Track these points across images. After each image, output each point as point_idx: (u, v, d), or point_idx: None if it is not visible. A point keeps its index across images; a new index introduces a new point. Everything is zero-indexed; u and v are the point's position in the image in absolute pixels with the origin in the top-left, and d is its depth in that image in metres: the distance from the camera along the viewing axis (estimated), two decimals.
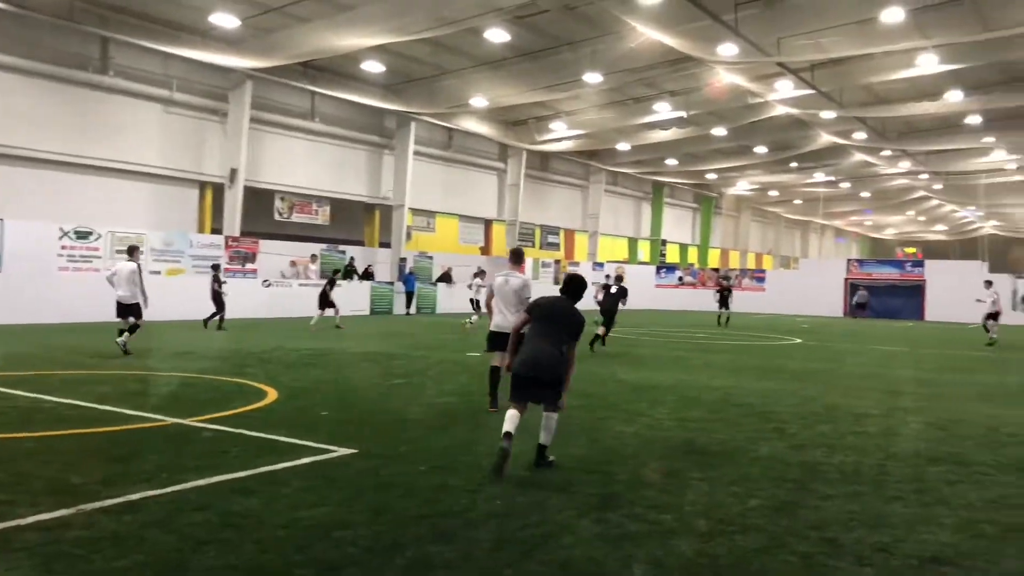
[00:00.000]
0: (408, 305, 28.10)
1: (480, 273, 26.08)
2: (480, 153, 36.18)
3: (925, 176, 44.48)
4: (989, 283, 22.62)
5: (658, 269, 45.35)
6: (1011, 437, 8.03)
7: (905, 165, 40.41)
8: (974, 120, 30.20)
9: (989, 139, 32.72)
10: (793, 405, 9.62)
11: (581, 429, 7.69)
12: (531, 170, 38.73)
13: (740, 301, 40.67)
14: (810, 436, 7.81)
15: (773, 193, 53.18)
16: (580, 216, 43.24)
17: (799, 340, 21.24)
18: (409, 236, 31.36)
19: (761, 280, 42.73)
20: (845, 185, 48.44)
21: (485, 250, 37.03)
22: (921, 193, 51.46)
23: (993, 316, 21.10)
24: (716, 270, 45.49)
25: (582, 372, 11.31)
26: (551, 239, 40.79)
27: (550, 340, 6.39)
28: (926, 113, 28.91)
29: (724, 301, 27.24)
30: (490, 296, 8.88)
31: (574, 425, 7.75)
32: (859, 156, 38.59)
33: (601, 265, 40.70)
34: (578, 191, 43.00)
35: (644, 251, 49.47)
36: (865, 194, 52.59)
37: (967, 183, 45.55)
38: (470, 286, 25.97)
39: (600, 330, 16.18)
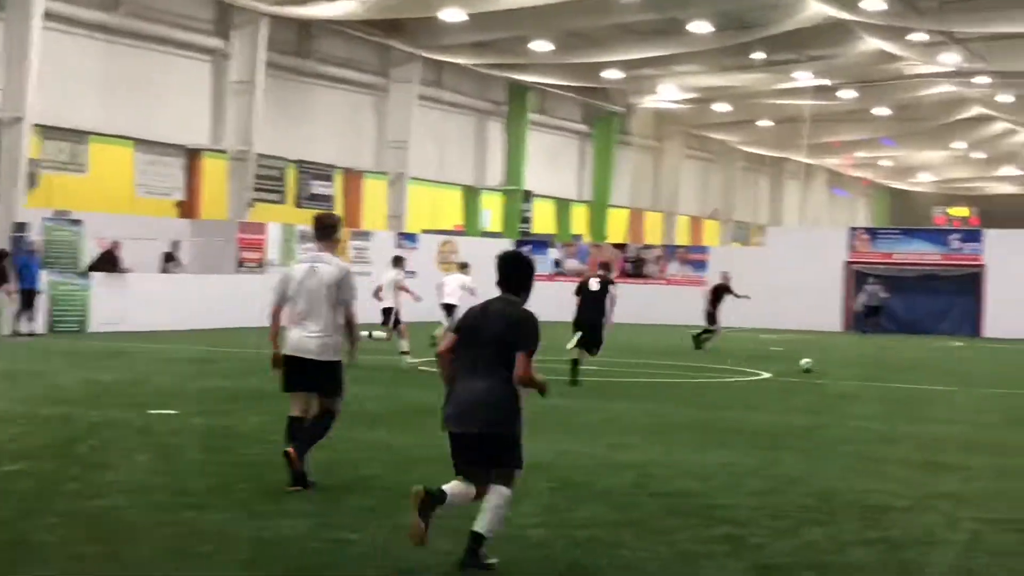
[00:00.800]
0: (23, 313, 27.64)
1: (398, 260, 25.71)
2: (178, 20, 35.57)
3: (985, 80, 47.16)
4: None
5: (519, 245, 46.09)
6: None
7: (951, 59, 42.89)
8: None
9: None
10: (758, 493, 10.03)
11: (373, 548, 7.81)
12: (279, 54, 38.44)
13: (662, 301, 42.12)
14: (790, 550, 8.06)
15: (721, 107, 54.99)
16: (374, 145, 43.59)
17: (767, 375, 22.47)
18: (34, 180, 30.83)
19: (700, 266, 44.25)
20: (848, 94, 50.68)
21: (188, 208, 36.57)
22: (977, 110, 54.92)
23: None
24: (622, 246, 46.83)
25: (378, 443, 11.63)
26: (318, 187, 40.48)
27: (486, 371, 7.16)
28: None
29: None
30: (279, 299, 9.57)
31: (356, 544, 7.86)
32: (872, 42, 40.35)
33: (412, 237, 41.18)
34: (369, 98, 43.38)
35: (493, 212, 50.22)
36: (882, 111, 55.48)
37: None
38: (376, 294, 25.18)
39: (574, 351, 18.29)
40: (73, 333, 28.68)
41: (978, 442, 13.64)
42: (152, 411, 14.43)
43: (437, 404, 16.15)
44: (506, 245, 45.56)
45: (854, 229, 45.41)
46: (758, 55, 43.35)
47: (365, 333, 23.44)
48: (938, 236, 43.59)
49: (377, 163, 43.64)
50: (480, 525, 7.11)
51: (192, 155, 36.54)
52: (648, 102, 54.69)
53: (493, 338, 7.23)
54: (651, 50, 41.88)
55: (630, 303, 42.78)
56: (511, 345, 7.18)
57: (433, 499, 7.14)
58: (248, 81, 36.36)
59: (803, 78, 46.61)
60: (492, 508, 7.12)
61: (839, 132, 60.10)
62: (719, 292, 30.88)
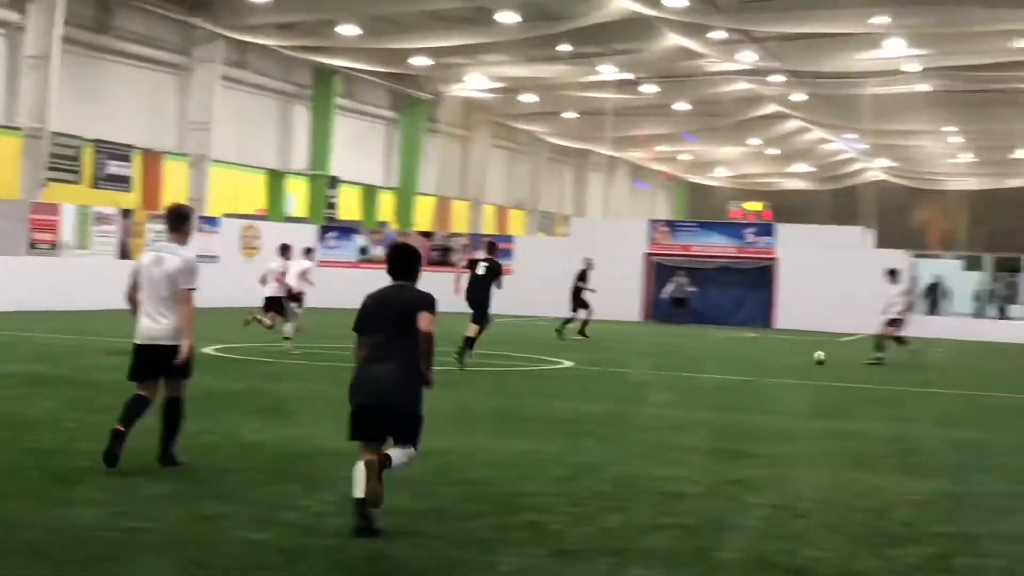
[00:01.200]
0: None
1: (284, 249, 24.87)
2: None
3: (780, 78, 48.66)
4: (893, 273, 26.42)
5: (324, 231, 45.75)
6: (906, 527, 8.84)
7: (748, 58, 44.10)
8: None
9: (881, 20, 36.35)
10: (558, 480, 10.12)
11: (168, 537, 7.48)
12: (77, 29, 37.36)
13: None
14: (588, 536, 8.15)
15: (528, 98, 55.48)
16: (175, 124, 42.69)
17: (570, 363, 22.82)
18: None
19: (505, 255, 44.60)
20: (650, 89, 51.66)
21: None
22: (773, 108, 56.65)
23: (895, 323, 25.26)
24: (429, 234, 46.91)
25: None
26: (116, 168, 39.38)
27: (387, 350, 7.88)
28: None
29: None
30: (131, 288, 9.73)
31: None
32: (674, 38, 41.29)
33: (212, 221, 40.50)
34: (171, 77, 42.51)
35: (297, 196, 49.72)
36: (682, 106, 56.69)
37: (844, 93, 50.56)
38: (262, 280, 24.68)
39: (471, 330, 20.00)
40: None
41: (769, 430, 14.03)
42: None
43: (233, 390, 16.04)
44: (310, 231, 45.16)
45: (654, 221, 46.37)
46: (564, 47, 43.85)
47: (260, 318, 23.22)
48: (733, 229, 44.82)
49: (178, 144, 42.61)
50: (359, 490, 7.71)
51: None
52: (456, 90, 54.76)
53: (396, 319, 7.92)
54: (459, 38, 41.93)
55: (436, 291, 42.89)
56: (413, 318, 7.87)
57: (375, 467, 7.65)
58: (43, 56, 35.03)
59: (607, 72, 47.32)
60: (402, 457, 7.96)
61: (641, 126, 61.17)
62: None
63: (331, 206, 49.51)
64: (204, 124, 42.35)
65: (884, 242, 47.77)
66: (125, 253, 36.15)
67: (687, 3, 35.39)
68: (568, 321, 30.63)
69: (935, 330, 36.77)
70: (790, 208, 74.37)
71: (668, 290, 41.72)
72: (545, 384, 19.18)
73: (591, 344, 28.89)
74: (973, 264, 44.97)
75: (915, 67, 44.18)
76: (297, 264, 24.32)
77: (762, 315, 41.60)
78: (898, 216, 69.70)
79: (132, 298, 9.83)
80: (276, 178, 48.50)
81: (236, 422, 12.72)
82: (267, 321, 23.81)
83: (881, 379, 22.39)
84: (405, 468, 8.08)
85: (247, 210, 46.80)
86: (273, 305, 23.71)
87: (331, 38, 42.63)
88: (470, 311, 20.77)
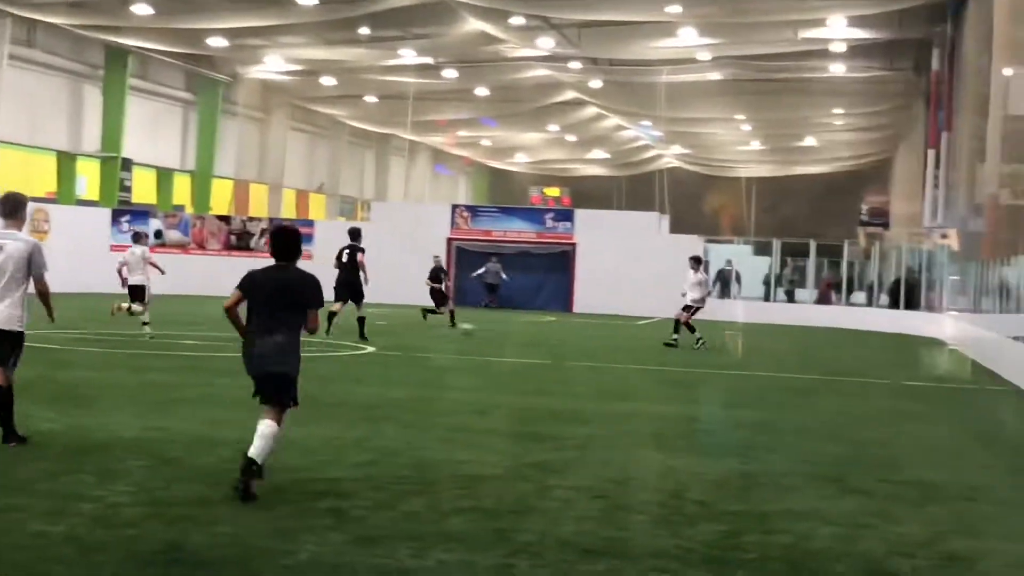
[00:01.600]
0: None
1: (139, 236, 24.53)
2: None
3: (576, 65, 49.38)
4: (698, 261, 27.57)
5: (117, 215, 44.60)
6: (700, 506, 9.11)
7: (546, 44, 44.58)
8: None
9: (674, 8, 37.24)
10: (359, 465, 10.17)
11: None
12: None
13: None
14: (390, 520, 8.22)
15: (328, 81, 55.01)
16: None
17: (372, 348, 22.91)
18: None
19: (306, 240, 44.16)
20: (450, 74, 51.88)
21: None
22: (571, 95, 57.43)
23: (689, 308, 26.36)
24: (227, 219, 46.18)
25: None
26: None
27: (284, 324, 9.02)
28: None
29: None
30: None
31: None
32: (474, 23, 41.55)
33: None
34: None
35: (89, 179, 48.32)
36: (483, 91, 56.89)
37: (640, 81, 51.59)
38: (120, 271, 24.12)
39: (335, 307, 23.21)
40: None
41: (567, 413, 14.24)
42: None
43: (24, 377, 15.53)
44: (104, 214, 43.93)
45: (456, 206, 46.55)
46: (364, 30, 43.59)
47: (126, 306, 22.74)
48: (534, 215, 45.37)
49: None
50: (256, 450, 8.68)
51: None
52: (254, 72, 53.94)
53: (291, 298, 9.03)
54: (256, 19, 41.29)
55: (234, 276, 42.22)
56: (303, 304, 9.08)
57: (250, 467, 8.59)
58: None
59: (408, 56, 47.27)
60: (268, 435, 8.83)
61: (442, 111, 61.30)
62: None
63: (125, 189, 48.21)
64: None
65: (678, 227, 49.00)
66: None
67: None
68: (431, 312, 31.24)
69: (726, 313, 37.93)
70: (588, 194, 75.62)
71: (479, 273, 42.03)
72: (347, 369, 19.12)
73: (394, 330, 28.90)
74: (762, 249, 46.55)
75: (707, 56, 45.34)
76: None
77: (562, 299, 42.26)
78: (691, 202, 71.48)
79: None
80: (67, 160, 46.96)
81: (27, 411, 12.29)
82: (137, 308, 23.30)
83: (675, 361, 23.00)
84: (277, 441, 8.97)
85: (36, 193, 45.20)
86: (138, 293, 23.36)
87: (124, 17, 41.45)
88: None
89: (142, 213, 45.16)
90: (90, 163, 48.00)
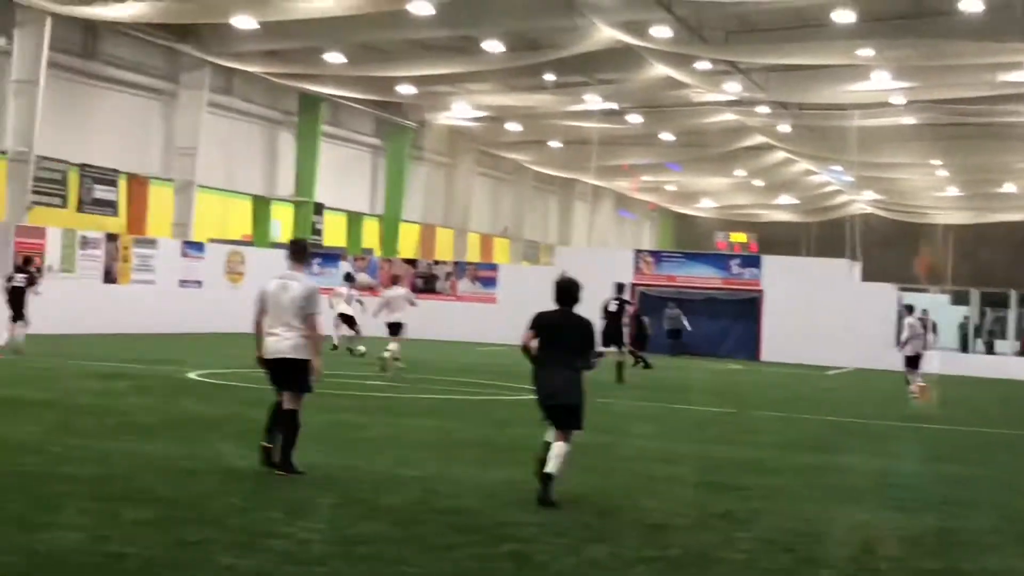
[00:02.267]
0: None
1: (349, 277, 27.54)
2: None
3: (764, 109, 48.77)
4: (910, 309, 27.33)
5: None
6: (893, 562, 8.87)
7: (734, 88, 44.20)
8: (844, 17, 33.02)
9: (866, 52, 36.67)
10: (542, 510, 10.12)
11: (149, 562, 7.37)
12: (64, 55, 37.42)
13: (452, 318, 42.39)
14: (573, 567, 8.15)
15: (513, 127, 55.51)
16: (161, 150, 42.58)
17: None
18: None
19: (490, 283, 44.65)
20: (635, 119, 51.62)
21: None
22: (759, 139, 56.85)
23: (913, 361, 25.79)
24: (413, 262, 46.92)
25: (153, 455, 11.22)
26: (102, 192, 39.32)
27: (566, 361, 10.62)
28: None
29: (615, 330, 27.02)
30: (259, 311, 11.20)
31: None
32: (660, 68, 41.39)
33: (199, 246, 40.50)
34: (158, 103, 42.43)
35: (283, 222, 49.66)
36: (667, 136, 56.68)
37: (830, 125, 50.53)
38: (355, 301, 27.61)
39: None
40: None
41: (753, 463, 14.01)
42: None
43: (217, 415, 15.98)
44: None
45: (639, 251, 46.43)
46: (549, 76, 43.97)
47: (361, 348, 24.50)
48: (719, 260, 44.93)
49: (164, 169, 42.56)
50: (553, 467, 10.30)
51: None
52: (441, 118, 54.82)
53: (572, 340, 10.71)
54: (444, 67, 41.98)
55: (420, 319, 43.06)
56: (580, 344, 10.72)
57: (548, 483, 10.28)
58: (30, 81, 35.01)
59: (592, 101, 47.46)
60: (562, 455, 10.39)
61: (626, 155, 61.25)
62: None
63: (316, 232, 49.45)
64: (190, 149, 42.32)
65: (870, 275, 47.92)
66: (110, 277, 36.06)
67: (672, 34, 35.53)
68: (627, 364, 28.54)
69: (922, 364, 36.83)
70: (776, 240, 74.51)
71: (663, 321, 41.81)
72: (528, 413, 19.14)
73: None
74: (959, 298, 45.19)
75: (901, 100, 44.38)
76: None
77: (748, 347, 41.63)
78: (884, 249, 69.83)
79: (258, 322, 11.29)
80: (262, 204, 48.43)
81: (219, 447, 12.69)
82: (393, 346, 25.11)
83: (867, 413, 22.44)
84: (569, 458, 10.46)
85: (233, 236, 46.75)
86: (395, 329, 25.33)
87: (317, 66, 42.67)
88: None
89: (333, 256, 46.24)
90: (284, 207, 49.41)
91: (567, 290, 10.94)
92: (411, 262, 46.89)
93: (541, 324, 10.80)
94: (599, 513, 10.10)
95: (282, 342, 11.11)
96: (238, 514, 9.25)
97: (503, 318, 42.01)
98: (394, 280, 27.47)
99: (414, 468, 12.03)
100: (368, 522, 9.22)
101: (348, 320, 26.49)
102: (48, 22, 34.81)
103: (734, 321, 42.35)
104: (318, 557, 7.98)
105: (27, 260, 28.05)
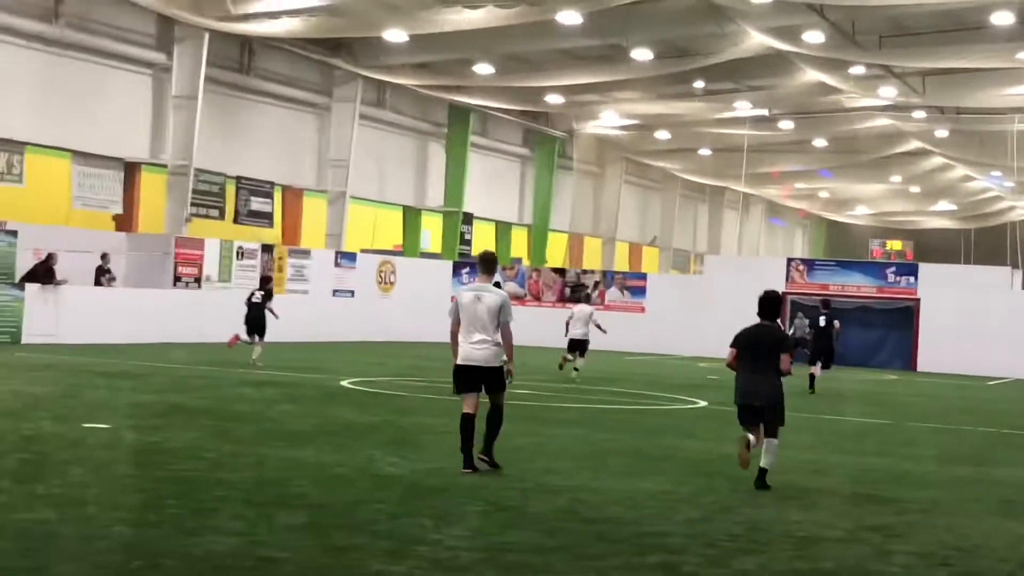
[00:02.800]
0: None
1: (587, 297, 31.06)
2: (119, 33, 35.26)
3: (920, 114, 47.78)
4: None
5: (457, 268, 46.13)
6: None
7: (889, 93, 43.36)
8: (1003, 19, 32.38)
9: None
10: (691, 521, 10.05)
11: (302, 567, 7.48)
12: (221, 70, 38.45)
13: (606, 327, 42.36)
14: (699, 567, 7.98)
15: (661, 135, 55.22)
16: (314, 162, 43.48)
17: (703, 403, 22.67)
18: None
19: (639, 293, 44.48)
20: (786, 125, 51.11)
21: (124, 221, 36.01)
22: (915, 144, 55.68)
23: None
24: (561, 271, 47.00)
25: (305, 462, 11.37)
26: (257, 204, 40.26)
27: (761, 368, 12.04)
28: (927, 1, 31.20)
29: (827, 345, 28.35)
30: (455, 322, 12.08)
31: None
32: (812, 73, 40.83)
33: (351, 257, 41.16)
34: (312, 116, 43.32)
35: (432, 232, 50.21)
36: (820, 142, 55.81)
37: (989, 129, 49.52)
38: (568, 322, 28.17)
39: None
40: (6, 344, 28.25)
41: (909, 475, 13.72)
42: (84, 425, 14.25)
43: (368, 423, 16.25)
44: (445, 266, 45.56)
45: (791, 260, 45.80)
46: (698, 84, 43.67)
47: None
48: (874, 269, 44.04)
49: (317, 181, 43.43)
50: (764, 462, 11.81)
51: (131, 168, 36.03)
52: (589, 127, 54.86)
53: (765, 350, 12.05)
54: (592, 76, 42.02)
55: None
56: (778, 351, 12.01)
57: (749, 443, 11.70)
58: (189, 96, 36.04)
59: (742, 108, 47.00)
60: (769, 451, 11.86)
61: (777, 162, 60.50)
62: None
63: (465, 242, 49.86)
64: (343, 162, 43.09)
65: None
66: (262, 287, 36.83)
67: (825, 39, 34.96)
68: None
69: None
70: (933, 247, 72.86)
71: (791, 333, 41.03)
72: (678, 423, 19.04)
73: (727, 384, 28.58)
74: None
75: None
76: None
77: (904, 357, 40.71)
78: None
79: (455, 331, 12.11)
80: (412, 214, 49.05)
81: (370, 455, 12.86)
82: (580, 361, 26.59)
83: None
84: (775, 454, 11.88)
85: (384, 246, 47.41)
86: (579, 346, 26.71)
87: (466, 77, 43.09)
88: None
89: None
90: (433, 217, 49.97)
91: (769, 304, 12.41)
92: (559, 271, 46.95)
93: (740, 339, 12.38)
94: (748, 524, 9.96)
95: (479, 351, 11.95)
96: (388, 520, 9.36)
97: (652, 327, 41.86)
98: (585, 299, 30.12)
99: (561, 477, 12.04)
100: (515, 530, 9.24)
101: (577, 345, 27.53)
102: (206, 38, 35.78)
103: (889, 330, 41.44)
104: (465, 564, 8.03)
105: (266, 279, 29.25)
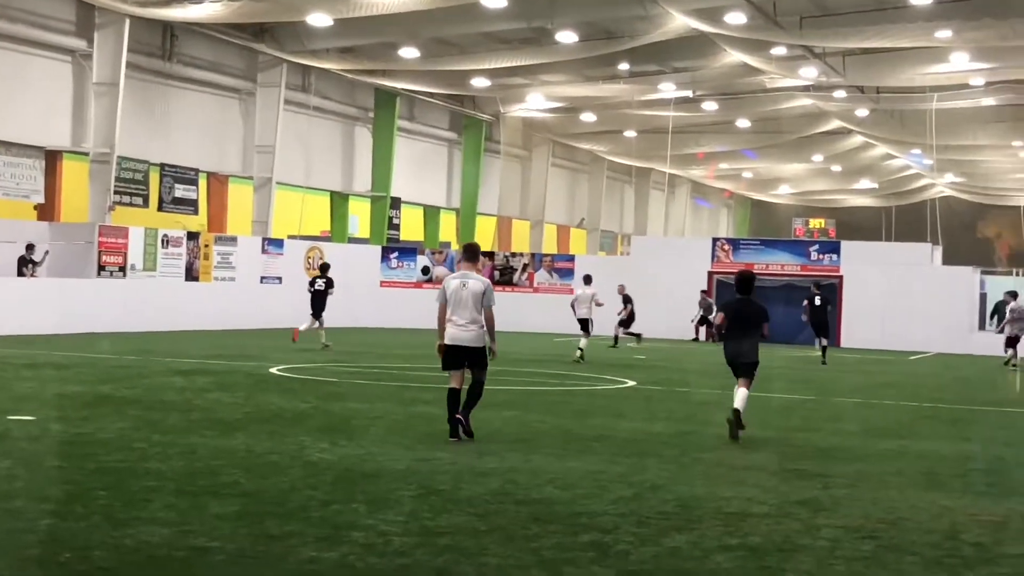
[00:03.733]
0: None
1: (589, 279, 31.83)
2: (38, 20, 34.69)
3: (841, 94, 48.27)
4: (1015, 295, 32.37)
5: (386, 252, 46.07)
6: (978, 548, 8.72)
7: (810, 73, 43.72)
8: (921, 0, 33.21)
9: (943, 34, 36.09)
10: (622, 500, 10.12)
11: (235, 556, 7.50)
12: (143, 56, 37.92)
13: (530, 309, 42.46)
14: (653, 556, 8.17)
15: (588, 117, 55.42)
16: (240, 148, 43.13)
17: (632, 382, 22.84)
18: None
19: (567, 275, 44.63)
20: (710, 106, 51.47)
21: (46, 210, 35.51)
22: (836, 124, 56.26)
23: (1013, 341, 31.69)
24: (490, 254, 47.09)
25: (237, 450, 11.29)
26: (182, 191, 39.83)
27: (749, 334, 14.81)
28: None
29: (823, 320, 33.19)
30: (443, 305, 13.36)
31: None
32: (735, 55, 41.04)
33: (278, 243, 40.92)
34: (236, 102, 42.96)
35: (360, 218, 50.02)
36: (744, 122, 56.35)
37: (909, 108, 50.14)
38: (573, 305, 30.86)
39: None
40: None
41: (835, 450, 13.90)
42: (10, 417, 14.05)
43: (299, 410, 16.19)
44: (374, 251, 45.43)
45: (716, 239, 46.17)
46: (623, 66, 43.83)
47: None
48: (797, 247, 44.54)
49: (243, 167, 43.07)
50: (739, 405, 14.41)
51: (52, 156, 35.49)
52: (516, 110, 54.91)
53: (752, 319, 14.90)
54: (518, 59, 42.00)
55: (497, 310, 43.15)
56: (759, 322, 14.93)
57: (738, 415, 14.34)
58: (111, 83, 35.53)
59: (667, 89, 47.26)
60: (744, 396, 14.54)
61: (702, 143, 60.96)
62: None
63: (394, 227, 49.72)
64: (268, 147, 42.77)
65: (951, 259, 47.26)
66: (191, 275, 36.53)
67: (747, 20, 35.25)
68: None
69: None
70: (855, 225, 73.77)
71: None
72: (608, 403, 19.15)
73: (653, 363, 28.83)
74: None
75: (980, 81, 43.68)
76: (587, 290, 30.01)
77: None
78: (965, 232, 68.83)
79: (441, 313, 13.38)
80: (339, 200, 48.82)
81: (301, 442, 12.81)
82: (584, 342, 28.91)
83: (950, 398, 22.15)
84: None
85: (311, 231, 47.14)
86: (584, 325, 29.61)
87: (392, 61, 42.93)
88: None
89: (410, 250, 46.50)
90: (361, 202, 49.76)
91: (745, 281, 15.21)
92: (488, 254, 47.00)
93: (729, 310, 15.06)
94: (679, 502, 10.06)
95: (465, 332, 13.25)
96: (320, 507, 9.34)
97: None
98: (586, 280, 31.20)
99: (494, 459, 12.07)
100: (449, 514, 9.25)
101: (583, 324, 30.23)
102: (127, 24, 35.30)
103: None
104: (399, 549, 8.03)
105: (325, 267, 30.98)
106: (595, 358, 29.00)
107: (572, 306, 30.41)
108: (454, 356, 13.36)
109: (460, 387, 13.34)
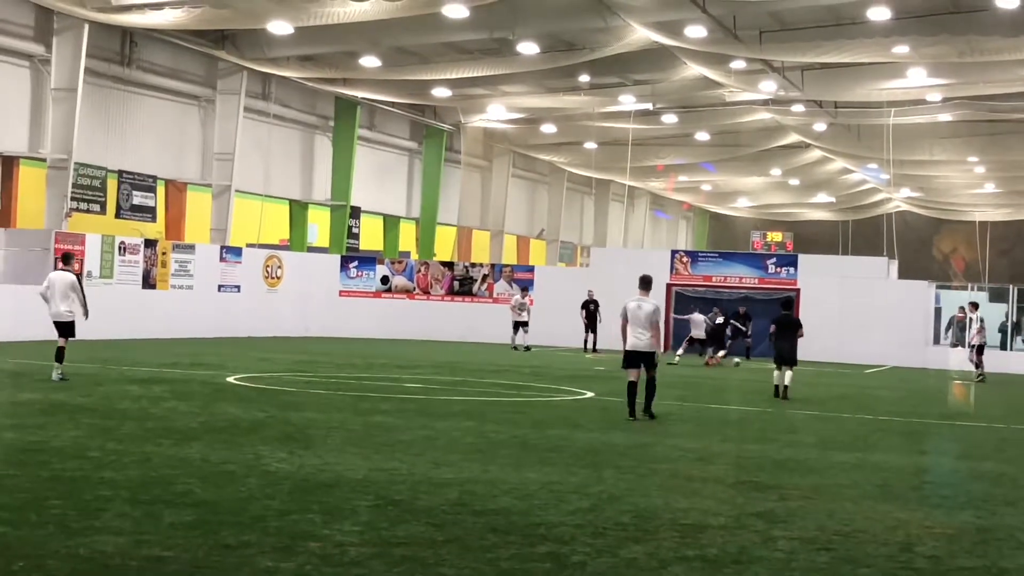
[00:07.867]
0: None
1: (386, 280, 29.93)
2: None
3: (799, 108, 48.49)
4: (975, 306, 33.93)
5: (345, 261, 45.94)
6: (931, 560, 8.81)
7: (769, 87, 44.00)
8: (879, 14, 33.18)
9: (901, 49, 36.41)
10: (579, 511, 10.12)
11: (189, 565, 7.44)
12: (102, 62, 37.72)
13: (489, 319, 42.47)
14: (610, 567, 8.17)
15: (548, 128, 55.56)
16: (199, 155, 42.95)
17: (590, 394, 22.91)
18: None
19: (526, 285, 44.69)
20: (670, 119, 51.66)
21: (2, 216, 35.25)
22: (794, 138, 56.58)
23: (982, 349, 33.01)
24: (450, 264, 47.08)
25: (192, 459, 11.23)
26: (140, 198, 39.56)
27: (788, 338, 23.38)
28: None
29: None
30: (624, 322, 17.71)
31: None
32: (694, 68, 41.22)
33: (237, 251, 40.76)
34: (196, 109, 42.79)
35: (320, 225, 49.88)
36: (703, 136, 56.55)
37: (866, 123, 50.43)
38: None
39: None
40: None
41: (791, 462, 13.97)
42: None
43: (256, 419, 16.14)
44: (333, 260, 45.32)
45: (675, 252, 46.32)
46: (584, 78, 43.95)
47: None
48: (755, 260, 44.74)
49: (202, 175, 42.84)
50: (788, 382, 22.94)
51: (9, 162, 35.22)
52: (477, 121, 54.93)
53: (791, 328, 23.49)
54: (479, 69, 42.04)
55: (456, 321, 43.20)
56: (796, 329, 23.44)
57: (786, 388, 22.83)
58: (69, 88, 35.27)
59: (627, 102, 47.42)
60: (790, 377, 22.92)
61: (662, 156, 61.14)
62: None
63: (353, 236, 49.61)
64: (228, 155, 42.56)
65: (907, 273, 47.62)
66: (148, 282, 36.29)
67: (707, 34, 35.43)
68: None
69: (959, 361, 36.66)
70: (812, 238, 74.21)
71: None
72: (566, 414, 19.17)
73: (612, 375, 28.88)
74: (997, 296, 44.85)
75: (936, 97, 44.07)
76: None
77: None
78: (921, 247, 69.38)
79: (624, 327, 17.74)
80: (299, 208, 48.66)
81: (258, 451, 12.75)
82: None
83: (904, 412, 22.32)
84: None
85: (270, 240, 46.95)
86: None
87: (353, 70, 42.85)
88: None
89: (369, 259, 46.40)
90: (321, 211, 49.63)
91: (788, 302, 18.90)
92: (448, 264, 46.96)
93: (776, 322, 22.67)
94: (635, 513, 10.08)
95: (642, 341, 17.56)
96: (277, 517, 9.29)
97: (540, 319, 42.03)
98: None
99: (451, 470, 12.06)
100: (406, 524, 9.24)
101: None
102: (86, 30, 35.07)
103: (770, 320, 41.94)
104: (356, 559, 8.01)
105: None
106: (554, 369, 28.99)
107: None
108: (633, 358, 17.68)
109: (637, 380, 17.61)
